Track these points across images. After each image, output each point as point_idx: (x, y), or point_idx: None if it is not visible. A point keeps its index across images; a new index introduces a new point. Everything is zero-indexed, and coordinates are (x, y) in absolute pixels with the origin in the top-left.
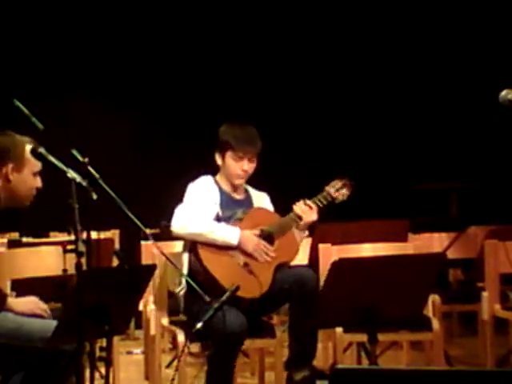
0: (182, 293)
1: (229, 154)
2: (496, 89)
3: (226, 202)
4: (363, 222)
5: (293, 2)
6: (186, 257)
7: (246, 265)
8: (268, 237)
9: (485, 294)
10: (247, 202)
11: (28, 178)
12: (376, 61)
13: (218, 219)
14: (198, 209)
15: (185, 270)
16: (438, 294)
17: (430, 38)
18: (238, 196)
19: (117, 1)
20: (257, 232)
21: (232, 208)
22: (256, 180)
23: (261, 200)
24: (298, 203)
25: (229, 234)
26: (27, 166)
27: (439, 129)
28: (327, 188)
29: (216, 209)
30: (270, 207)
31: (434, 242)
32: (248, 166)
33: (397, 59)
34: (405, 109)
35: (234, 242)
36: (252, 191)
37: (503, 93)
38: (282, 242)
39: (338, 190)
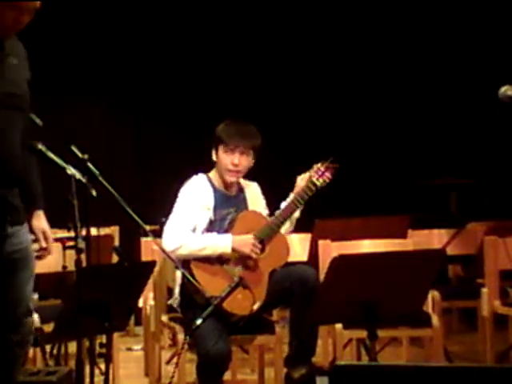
0: (176, 303)
1: (221, 148)
2: (496, 85)
3: (220, 200)
4: (363, 218)
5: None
6: (179, 274)
7: (240, 279)
8: (260, 243)
9: (484, 291)
10: (240, 198)
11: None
12: (379, 57)
13: (211, 224)
14: (188, 224)
15: (177, 287)
16: (438, 290)
17: (430, 35)
18: (231, 193)
19: (117, 1)
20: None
21: (226, 206)
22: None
23: (252, 193)
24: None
25: (221, 244)
26: None
27: (438, 125)
28: (310, 174)
29: (208, 214)
30: (261, 199)
31: (434, 239)
32: (239, 160)
33: (399, 56)
34: (403, 105)
35: (228, 249)
36: (244, 184)
37: (503, 89)
38: (273, 246)
39: (320, 176)
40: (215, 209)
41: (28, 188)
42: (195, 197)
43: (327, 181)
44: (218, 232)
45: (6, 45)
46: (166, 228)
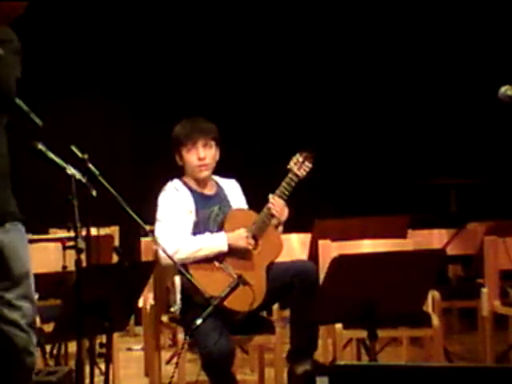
0: (178, 312)
1: (183, 150)
2: (496, 85)
3: (200, 200)
4: (363, 218)
5: None
6: (178, 279)
7: (239, 277)
8: (252, 238)
9: (484, 290)
10: (220, 196)
11: None
12: (378, 57)
13: (196, 226)
14: (177, 229)
15: (178, 292)
16: (438, 290)
17: (430, 35)
18: (210, 192)
19: (116, 3)
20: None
21: (207, 206)
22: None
23: (232, 190)
24: (273, 201)
25: (216, 243)
26: None
27: (438, 125)
28: (290, 166)
29: (192, 217)
30: (241, 195)
31: (434, 238)
32: (204, 153)
33: (399, 56)
34: (403, 104)
35: (225, 248)
36: (221, 182)
37: (502, 89)
38: (265, 240)
39: (301, 166)
40: (197, 210)
41: None
42: (176, 202)
43: (307, 170)
44: (205, 232)
45: None
46: (157, 236)
